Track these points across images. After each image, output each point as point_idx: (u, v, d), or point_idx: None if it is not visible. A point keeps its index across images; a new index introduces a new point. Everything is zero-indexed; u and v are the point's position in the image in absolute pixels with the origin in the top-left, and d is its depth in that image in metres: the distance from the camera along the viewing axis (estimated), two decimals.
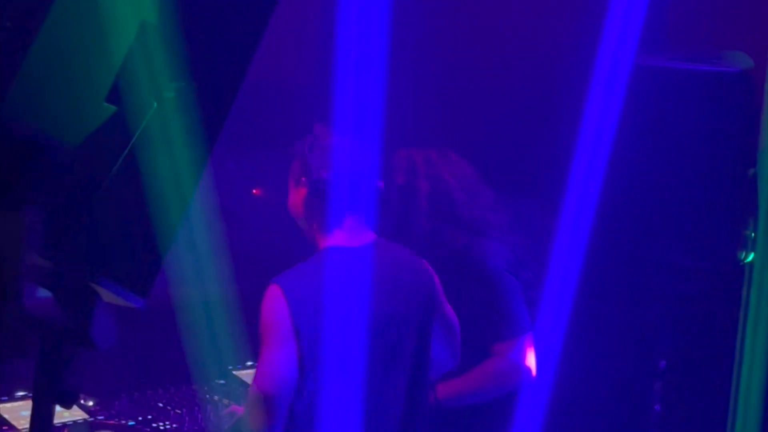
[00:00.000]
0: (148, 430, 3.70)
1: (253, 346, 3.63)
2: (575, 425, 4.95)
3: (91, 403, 3.88)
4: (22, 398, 3.77)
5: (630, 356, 4.89)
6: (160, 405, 3.95)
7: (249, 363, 4.26)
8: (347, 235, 3.46)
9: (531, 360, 3.99)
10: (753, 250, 4.40)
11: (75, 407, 3.79)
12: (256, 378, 3.32)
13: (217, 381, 4.11)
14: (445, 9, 5.49)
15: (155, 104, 1.95)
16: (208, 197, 4.93)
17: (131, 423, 3.75)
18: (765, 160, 4.53)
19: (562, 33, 5.22)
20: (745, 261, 4.40)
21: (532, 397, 4.23)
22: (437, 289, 3.63)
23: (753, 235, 4.39)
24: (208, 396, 3.98)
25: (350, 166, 3.46)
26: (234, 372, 4.20)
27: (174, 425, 3.79)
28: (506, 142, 5.41)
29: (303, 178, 3.48)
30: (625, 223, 4.49)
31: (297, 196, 3.52)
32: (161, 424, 3.78)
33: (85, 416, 3.73)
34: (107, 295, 2.02)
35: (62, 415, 3.69)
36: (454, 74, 5.41)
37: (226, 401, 3.74)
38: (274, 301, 3.28)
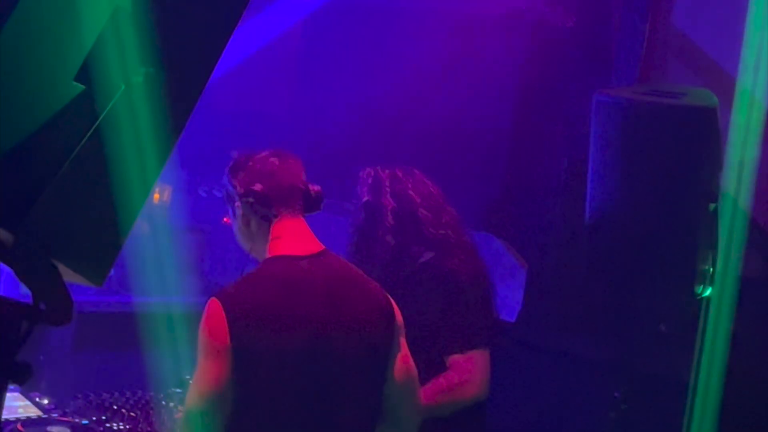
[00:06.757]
0: (101, 429, 3.69)
1: None
2: None
3: (46, 402, 3.88)
4: None
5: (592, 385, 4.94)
6: (115, 407, 3.94)
7: None
8: (290, 245, 3.44)
9: (485, 375, 4.01)
10: (711, 284, 4.44)
11: (30, 404, 3.79)
12: (189, 393, 3.31)
13: (173, 389, 4.11)
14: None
15: (123, 87, 1.99)
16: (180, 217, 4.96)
17: (84, 422, 3.74)
18: (727, 197, 4.59)
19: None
20: (702, 295, 4.44)
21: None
22: (396, 320, 3.50)
23: (711, 270, 4.44)
24: (163, 402, 3.98)
25: (277, 179, 3.45)
26: (190, 381, 4.20)
27: (127, 426, 3.78)
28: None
29: (236, 203, 3.49)
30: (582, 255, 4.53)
31: (236, 224, 3.53)
32: (114, 424, 3.77)
33: (39, 413, 3.73)
34: (67, 273, 2.04)
35: (16, 410, 3.69)
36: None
37: (180, 408, 3.73)
38: (214, 318, 3.23)
